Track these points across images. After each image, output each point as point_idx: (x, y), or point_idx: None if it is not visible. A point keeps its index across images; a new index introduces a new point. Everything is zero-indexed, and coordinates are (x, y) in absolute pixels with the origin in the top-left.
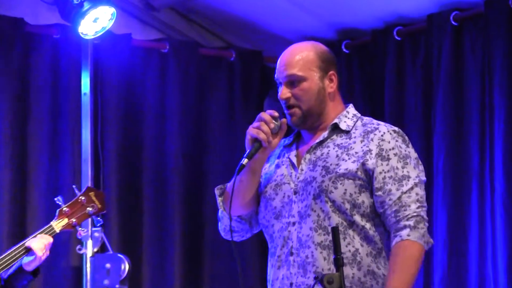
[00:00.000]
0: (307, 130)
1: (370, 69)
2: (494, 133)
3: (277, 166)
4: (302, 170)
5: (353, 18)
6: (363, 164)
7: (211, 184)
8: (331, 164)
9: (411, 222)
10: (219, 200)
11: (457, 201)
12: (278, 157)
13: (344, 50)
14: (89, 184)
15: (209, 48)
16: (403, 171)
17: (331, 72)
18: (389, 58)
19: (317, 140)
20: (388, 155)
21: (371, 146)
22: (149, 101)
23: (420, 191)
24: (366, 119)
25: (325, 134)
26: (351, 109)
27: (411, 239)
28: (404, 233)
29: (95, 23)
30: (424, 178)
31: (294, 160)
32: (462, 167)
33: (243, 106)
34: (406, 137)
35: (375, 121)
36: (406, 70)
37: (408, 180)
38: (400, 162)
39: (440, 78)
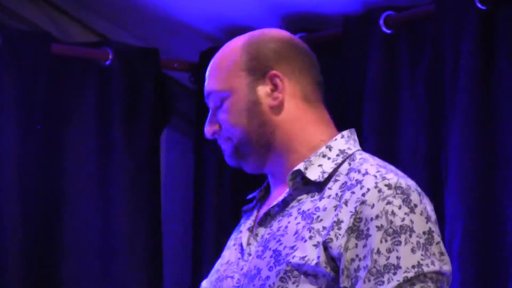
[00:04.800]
0: (272, 177)
1: (339, 79)
2: None
3: (227, 247)
4: (249, 254)
5: None
6: (326, 247)
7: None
8: (284, 248)
9: None
10: None
11: None
12: (236, 229)
13: None
14: None
15: (69, 44)
16: (388, 257)
17: (271, 73)
18: (371, 62)
19: (275, 202)
20: (368, 230)
21: (342, 214)
22: None
23: None
24: (359, 159)
25: (287, 190)
26: (341, 140)
27: None
28: None
29: None
30: (439, 268)
31: (245, 237)
32: (493, 249)
33: (125, 140)
34: (414, 195)
35: (367, 166)
36: (401, 82)
37: (394, 274)
38: (387, 241)
39: (458, 95)
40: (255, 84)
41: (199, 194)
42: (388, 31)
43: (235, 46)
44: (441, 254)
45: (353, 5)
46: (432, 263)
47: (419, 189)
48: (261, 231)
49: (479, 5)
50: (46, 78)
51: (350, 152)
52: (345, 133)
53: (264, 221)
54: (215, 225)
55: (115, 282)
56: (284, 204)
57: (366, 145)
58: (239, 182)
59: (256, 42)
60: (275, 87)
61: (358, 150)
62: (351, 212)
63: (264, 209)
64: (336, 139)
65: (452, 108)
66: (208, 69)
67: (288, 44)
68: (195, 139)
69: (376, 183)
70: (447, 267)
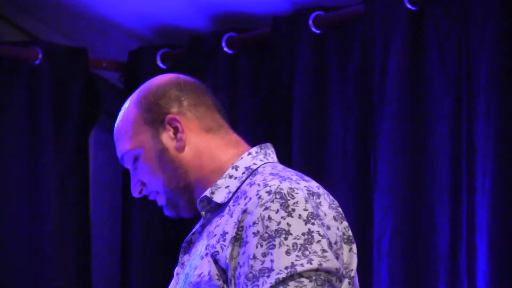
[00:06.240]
0: None
1: (268, 79)
2: (477, 190)
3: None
4: (177, 283)
5: None
6: (215, 260)
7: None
8: (191, 270)
9: None
10: None
11: None
12: None
13: (226, 49)
14: None
15: None
16: (263, 261)
17: (168, 117)
18: (300, 62)
19: (194, 229)
20: (246, 237)
21: (227, 226)
22: None
23: None
24: (259, 172)
25: (204, 216)
26: (247, 158)
27: None
28: None
29: None
30: (317, 265)
31: (177, 268)
32: (422, 250)
33: (54, 140)
34: (298, 197)
35: (257, 177)
36: (330, 82)
37: (268, 276)
38: (262, 245)
39: (387, 95)
40: (158, 134)
41: (128, 194)
42: (318, 31)
43: (129, 106)
44: (323, 251)
45: (282, 5)
46: (309, 261)
47: (313, 190)
48: (186, 258)
49: (408, 6)
50: None
51: (254, 167)
52: (254, 149)
53: (186, 249)
54: (143, 225)
55: (43, 285)
56: (203, 229)
57: (295, 146)
58: None
59: (145, 96)
60: (176, 130)
61: (265, 163)
62: (234, 222)
63: (186, 239)
64: (242, 158)
65: (381, 108)
66: (114, 135)
67: (174, 86)
68: None
69: (258, 191)
70: (329, 264)
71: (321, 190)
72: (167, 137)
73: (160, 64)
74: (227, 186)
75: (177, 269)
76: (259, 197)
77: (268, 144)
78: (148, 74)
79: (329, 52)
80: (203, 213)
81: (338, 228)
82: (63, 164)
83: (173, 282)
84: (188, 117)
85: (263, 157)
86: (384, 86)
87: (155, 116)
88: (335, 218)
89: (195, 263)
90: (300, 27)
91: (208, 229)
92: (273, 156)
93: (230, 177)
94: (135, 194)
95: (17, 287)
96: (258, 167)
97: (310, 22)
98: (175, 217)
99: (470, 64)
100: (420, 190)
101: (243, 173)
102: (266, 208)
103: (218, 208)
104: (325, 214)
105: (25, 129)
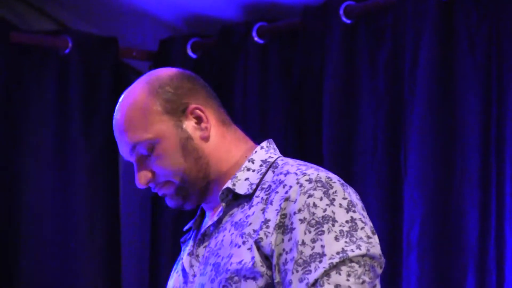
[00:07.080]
0: (206, 203)
1: (298, 69)
2: (506, 181)
3: (170, 278)
4: (194, 275)
5: None
6: (258, 247)
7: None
8: (223, 259)
9: None
10: None
11: None
12: (177, 261)
13: (257, 39)
14: None
15: (28, 32)
16: (313, 247)
17: (191, 107)
18: (331, 52)
19: (210, 222)
20: (292, 223)
21: (268, 213)
22: None
23: (343, 280)
24: (281, 164)
25: (220, 209)
26: (261, 151)
27: None
28: None
29: None
30: (365, 251)
31: (187, 262)
32: (450, 240)
33: (84, 129)
34: (336, 187)
35: (288, 167)
36: (360, 72)
37: (320, 261)
38: (311, 232)
39: (417, 85)
40: (180, 123)
41: None
42: (348, 21)
43: (141, 96)
44: (368, 237)
45: None
46: (358, 247)
47: (341, 180)
48: (201, 251)
49: None
50: (5, 66)
51: (271, 160)
52: (264, 144)
53: (202, 241)
54: (173, 215)
55: (72, 279)
56: (219, 222)
57: (325, 136)
58: None
59: (161, 86)
60: (199, 119)
61: (279, 157)
62: (276, 210)
63: (201, 232)
64: (256, 151)
65: (411, 99)
66: (120, 124)
67: (186, 78)
68: None
69: (297, 179)
70: (375, 250)
71: (344, 182)
72: (190, 126)
73: (191, 54)
74: (247, 178)
75: (190, 261)
76: (301, 185)
77: (271, 140)
78: (179, 64)
79: (360, 42)
80: (223, 204)
81: (367, 217)
82: (93, 154)
83: (176, 277)
84: (206, 108)
85: (273, 151)
86: (414, 77)
87: (176, 105)
88: (362, 208)
89: (227, 252)
90: (331, 17)
91: (231, 220)
92: (278, 151)
93: (248, 169)
94: (143, 185)
95: (47, 280)
96: (276, 159)
97: (341, 12)
98: (179, 208)
99: (500, 55)
100: (450, 181)
101: (261, 165)
102: (310, 196)
103: (237, 200)
104: (356, 204)
105: (54, 118)
